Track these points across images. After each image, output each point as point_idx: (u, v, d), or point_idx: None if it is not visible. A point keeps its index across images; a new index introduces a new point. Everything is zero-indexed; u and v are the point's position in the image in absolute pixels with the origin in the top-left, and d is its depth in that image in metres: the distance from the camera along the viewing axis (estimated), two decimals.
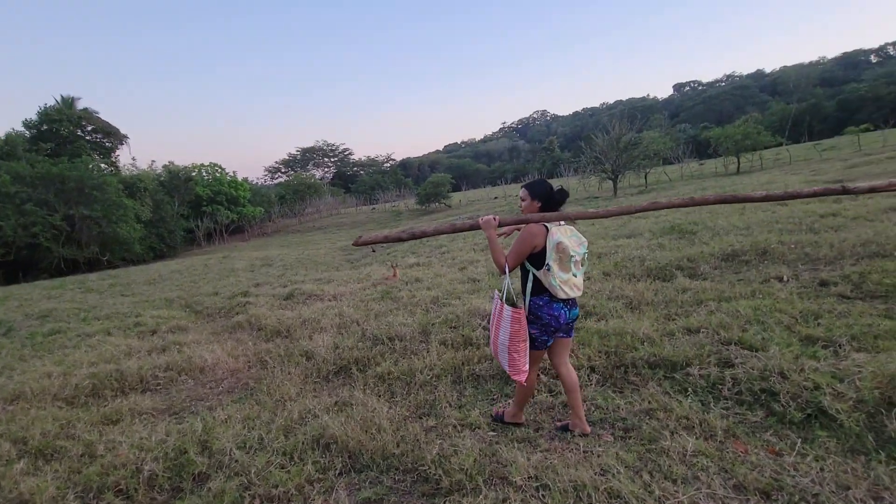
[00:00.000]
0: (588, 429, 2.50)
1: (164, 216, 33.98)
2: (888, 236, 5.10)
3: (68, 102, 34.08)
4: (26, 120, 32.99)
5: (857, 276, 4.14)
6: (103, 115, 35.34)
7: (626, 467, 2.04)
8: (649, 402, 2.67)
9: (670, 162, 39.95)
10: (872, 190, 2.42)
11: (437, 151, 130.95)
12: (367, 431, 2.65)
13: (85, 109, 33.87)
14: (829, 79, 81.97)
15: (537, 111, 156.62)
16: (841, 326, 3.19)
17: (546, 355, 2.59)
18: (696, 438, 2.22)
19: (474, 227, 2.49)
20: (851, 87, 66.24)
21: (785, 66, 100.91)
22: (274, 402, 3.42)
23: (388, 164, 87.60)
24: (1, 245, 23.58)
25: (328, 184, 72.35)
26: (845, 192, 2.43)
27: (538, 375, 3.11)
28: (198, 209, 41.15)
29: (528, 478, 2.05)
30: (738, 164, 32.40)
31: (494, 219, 2.42)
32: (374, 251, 17.31)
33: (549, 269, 2.30)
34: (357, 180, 72.03)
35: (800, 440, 2.13)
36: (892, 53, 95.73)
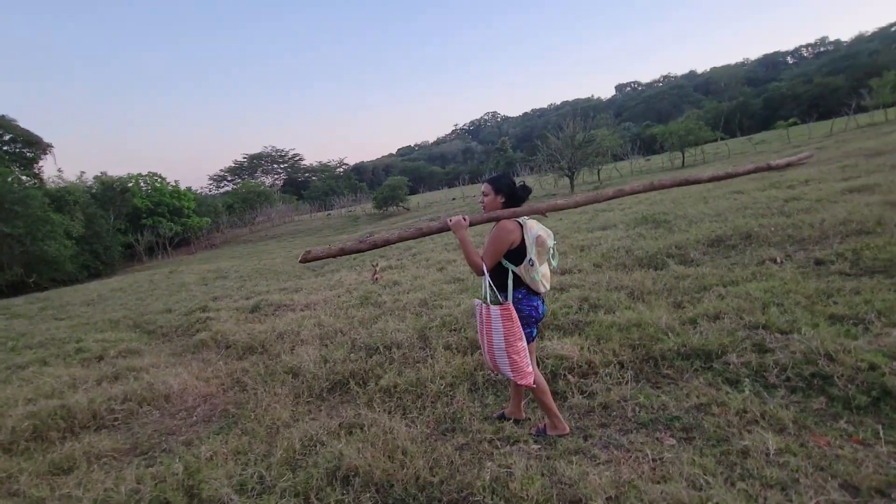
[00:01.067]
0: (518, 415, 2.55)
1: (99, 231, 31.23)
2: (863, 214, 5.26)
3: None
4: None
5: (851, 253, 4.18)
6: (23, 125, 32.08)
7: (712, 476, 1.79)
8: (697, 397, 2.46)
9: (620, 158, 41.49)
10: (789, 165, 2.85)
11: (391, 155, 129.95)
12: (391, 457, 2.26)
13: (1, 118, 30.52)
14: (754, 79, 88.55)
15: (488, 112, 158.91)
16: (860, 303, 3.14)
17: None
18: (770, 434, 2.01)
19: (443, 229, 2.37)
20: (773, 86, 71.76)
21: (714, 67, 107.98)
22: (265, 429, 2.95)
23: (342, 170, 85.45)
24: None
25: (279, 191, 69.74)
26: (769, 168, 2.79)
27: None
28: (137, 222, 38.25)
29: (609, 499, 1.75)
30: (683, 158, 34.11)
31: (464, 219, 2.31)
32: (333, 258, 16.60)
33: (532, 264, 2.26)
34: (309, 186, 69.85)
35: (880, 426, 1.98)
36: (805, 55, 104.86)
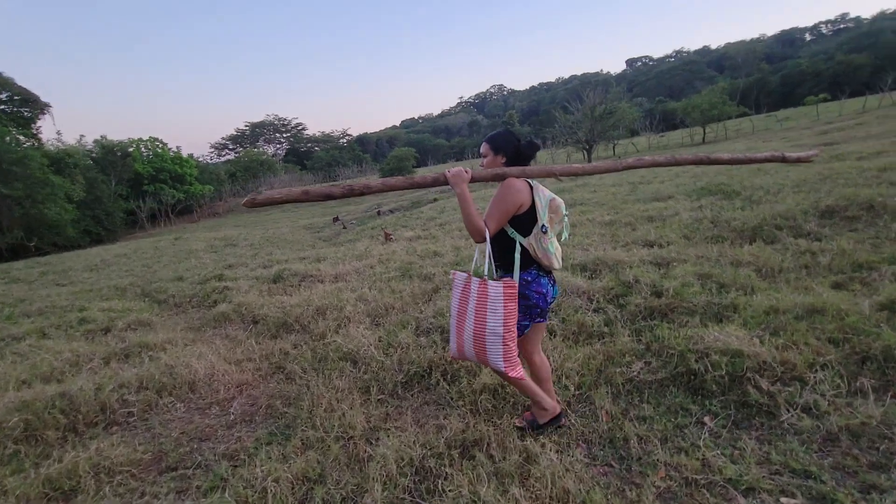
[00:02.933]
0: (558, 408, 2.11)
1: (100, 196, 30.28)
2: None
3: None
4: None
5: None
6: (20, 83, 30.65)
7: None
8: None
9: (636, 133, 40.05)
10: (799, 160, 2.56)
11: (395, 127, 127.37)
12: None
13: None
14: (771, 55, 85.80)
15: (494, 86, 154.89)
16: None
17: None
18: None
19: (439, 182, 1.96)
20: (793, 63, 69.46)
21: (729, 43, 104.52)
22: (337, 442, 2.17)
23: (345, 140, 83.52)
24: None
25: (281, 161, 68.29)
26: (784, 159, 2.50)
27: None
28: (138, 188, 37.21)
29: None
30: (704, 134, 32.78)
31: (466, 171, 1.93)
32: (344, 228, 15.81)
33: (545, 231, 1.92)
34: (313, 156, 68.34)
35: None
36: (824, 32, 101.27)
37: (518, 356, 1.89)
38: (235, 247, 13.64)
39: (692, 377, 2.28)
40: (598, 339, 2.80)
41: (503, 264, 1.97)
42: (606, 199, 9.68)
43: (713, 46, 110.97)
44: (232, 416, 2.72)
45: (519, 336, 1.96)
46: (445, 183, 1.93)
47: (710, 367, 2.23)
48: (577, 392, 2.32)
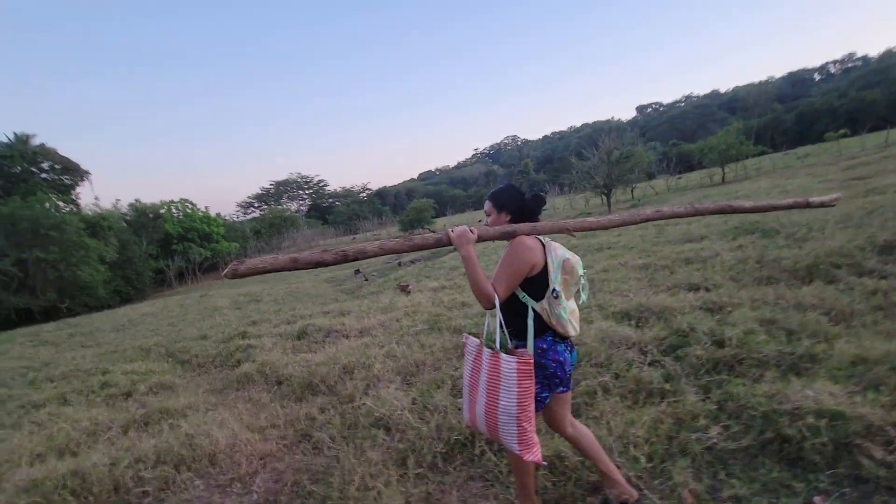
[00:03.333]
0: (635, 493, 1.86)
1: (132, 256, 31.31)
2: None
3: (22, 140, 31.43)
4: None
5: None
6: (62, 153, 32.92)
7: None
8: None
9: (653, 176, 40.05)
10: (822, 204, 2.46)
11: (413, 179, 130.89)
12: None
13: (41, 145, 31.32)
14: (781, 95, 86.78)
15: (508, 136, 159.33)
16: None
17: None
18: None
19: (442, 243, 1.77)
20: (806, 102, 70.12)
21: (738, 86, 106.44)
22: None
23: (365, 194, 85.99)
24: None
25: (304, 216, 70.31)
26: (808, 205, 2.45)
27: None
28: (167, 248, 38.48)
29: None
30: (723, 174, 32.54)
31: (472, 231, 1.76)
32: (366, 280, 15.76)
33: (557, 297, 1.74)
34: (334, 211, 70.24)
35: None
36: (832, 71, 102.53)
37: (536, 438, 1.67)
38: (259, 302, 13.65)
39: (784, 444, 1.94)
40: (661, 398, 2.48)
41: (514, 330, 1.78)
42: (634, 241, 9.43)
43: (722, 90, 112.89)
44: (255, 496, 2.45)
45: (539, 410, 1.78)
46: (449, 244, 1.74)
47: (806, 433, 1.90)
48: (649, 464, 2.00)
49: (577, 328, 1.80)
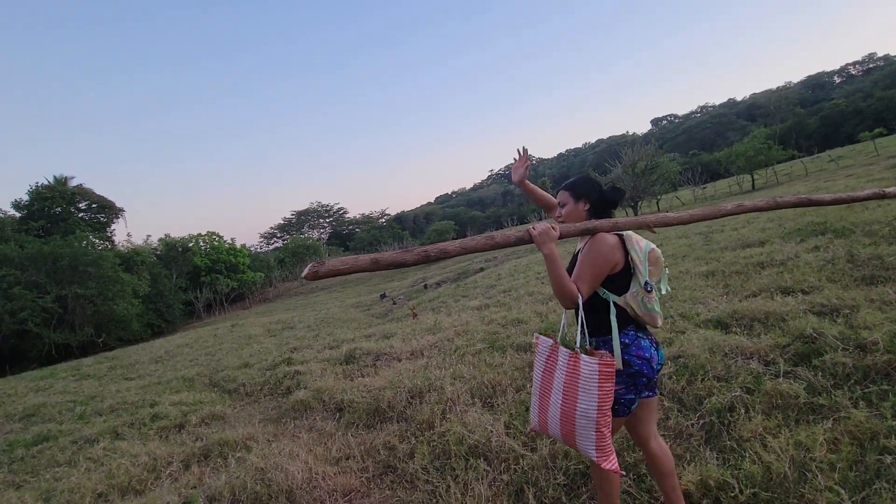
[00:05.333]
0: None
1: (163, 290, 31.96)
2: None
3: (61, 181, 32.89)
4: (16, 200, 31.61)
5: None
6: (97, 192, 34.27)
7: None
8: None
9: (677, 187, 39.25)
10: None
11: (430, 203, 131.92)
12: None
13: (79, 186, 32.67)
14: (801, 99, 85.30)
15: None
16: None
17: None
18: None
19: (524, 240, 1.70)
20: (831, 104, 68.64)
21: (755, 93, 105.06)
22: None
23: (384, 220, 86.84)
24: None
25: (325, 244, 71.19)
26: (885, 196, 2.25)
27: None
28: (196, 280, 39.21)
29: None
30: (753, 181, 31.65)
31: (554, 228, 1.69)
32: (394, 303, 15.55)
33: (650, 290, 1.65)
34: (354, 238, 70.93)
35: None
36: (853, 73, 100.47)
37: (612, 446, 1.58)
38: (293, 329, 13.53)
39: None
40: (814, 414, 2.11)
41: (592, 328, 1.70)
42: (681, 250, 8.98)
43: (738, 98, 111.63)
44: None
45: (625, 415, 1.68)
46: (530, 241, 1.67)
47: None
48: (854, 498, 1.63)
49: (662, 320, 1.73)
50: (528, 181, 2.17)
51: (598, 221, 1.69)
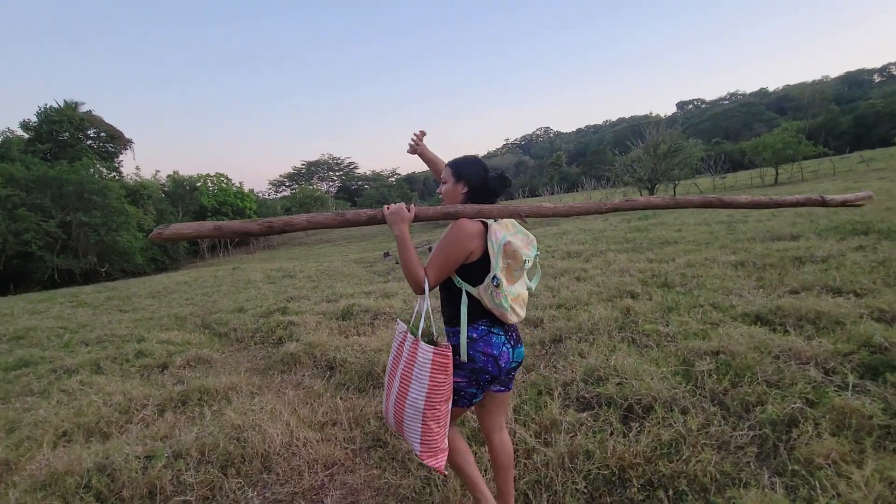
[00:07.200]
0: None
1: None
2: None
3: (71, 106, 32.17)
4: (24, 121, 31.04)
5: None
6: (108, 120, 33.57)
7: None
8: None
9: (698, 173, 38.06)
10: (845, 203, 2.00)
11: None
12: None
13: (89, 112, 31.98)
14: (837, 97, 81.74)
15: (540, 128, 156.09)
16: None
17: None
18: None
19: (376, 219, 1.60)
20: (866, 104, 65.68)
21: (788, 85, 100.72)
22: None
23: (394, 179, 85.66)
24: None
25: (333, 197, 70.65)
26: (823, 204, 1.93)
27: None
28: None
29: None
30: (777, 175, 30.55)
31: (408, 209, 1.60)
32: (397, 263, 15.26)
33: (497, 284, 1.53)
34: (362, 194, 70.25)
35: None
36: (895, 73, 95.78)
37: (445, 441, 1.55)
38: (293, 278, 13.31)
39: None
40: (889, 438, 1.75)
41: (448, 317, 1.66)
42: (702, 237, 8.53)
43: (771, 88, 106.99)
44: None
45: (465, 406, 1.65)
46: (382, 221, 1.60)
47: None
48: None
49: (521, 315, 1.62)
50: (426, 148, 2.10)
51: (461, 206, 1.59)
